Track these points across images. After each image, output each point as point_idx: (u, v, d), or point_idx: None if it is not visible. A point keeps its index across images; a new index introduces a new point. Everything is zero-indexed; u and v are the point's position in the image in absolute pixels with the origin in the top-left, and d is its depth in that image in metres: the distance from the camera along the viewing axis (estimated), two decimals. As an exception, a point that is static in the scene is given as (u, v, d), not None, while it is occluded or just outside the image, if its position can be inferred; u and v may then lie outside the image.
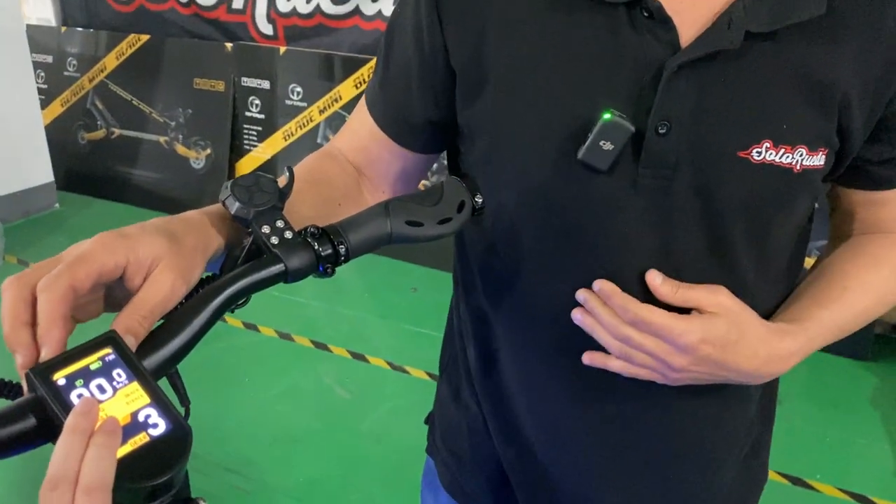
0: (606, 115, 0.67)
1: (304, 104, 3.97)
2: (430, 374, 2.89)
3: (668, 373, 0.72)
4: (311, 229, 0.63)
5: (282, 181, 0.67)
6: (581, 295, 0.73)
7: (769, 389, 0.87)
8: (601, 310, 0.72)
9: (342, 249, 0.63)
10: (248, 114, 4.14)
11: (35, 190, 4.28)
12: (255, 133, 4.16)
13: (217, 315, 0.57)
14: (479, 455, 0.92)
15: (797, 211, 0.74)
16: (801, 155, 0.68)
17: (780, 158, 0.68)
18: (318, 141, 3.96)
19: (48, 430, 0.49)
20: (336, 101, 3.87)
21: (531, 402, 0.84)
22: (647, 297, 0.72)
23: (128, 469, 0.46)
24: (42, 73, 4.63)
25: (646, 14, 0.67)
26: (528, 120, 0.72)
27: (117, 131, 4.53)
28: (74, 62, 4.59)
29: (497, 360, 0.85)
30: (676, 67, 0.66)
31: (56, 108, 4.68)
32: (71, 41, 4.60)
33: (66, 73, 4.62)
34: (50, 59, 4.65)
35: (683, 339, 0.69)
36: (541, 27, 0.70)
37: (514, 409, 0.86)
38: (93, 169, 4.61)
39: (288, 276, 0.61)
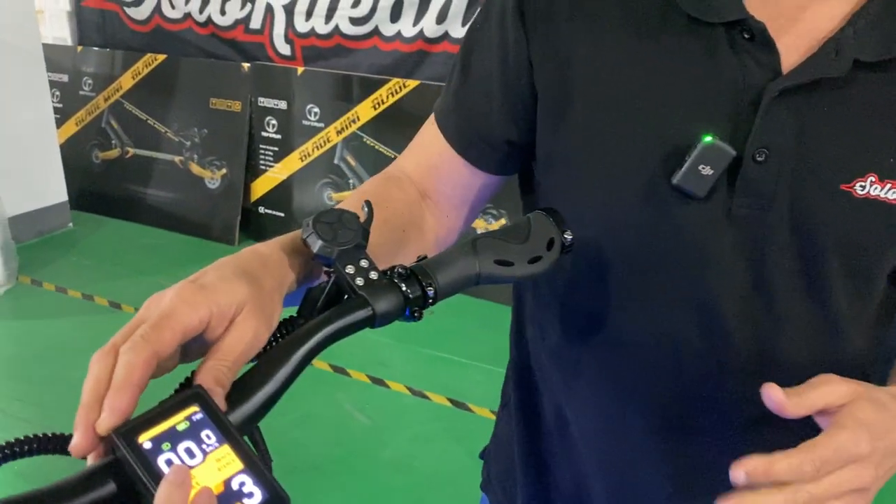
0: (707, 138, 0.63)
1: (322, 125, 3.94)
2: (451, 401, 2.83)
3: (867, 496, 0.58)
4: (399, 269, 0.58)
5: (361, 216, 0.62)
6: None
7: None
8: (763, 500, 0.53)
9: (430, 291, 0.58)
10: (264, 134, 4.12)
11: (49, 209, 4.25)
12: (271, 153, 4.13)
13: (303, 365, 0.52)
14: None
15: None
16: None
17: (885, 194, 0.64)
18: (335, 161, 3.93)
19: (129, 497, 0.44)
20: (353, 121, 3.84)
21: (606, 446, 0.80)
22: (738, 335, 0.69)
23: None
24: (57, 92, 4.61)
25: (746, 36, 0.64)
26: (618, 144, 0.68)
27: (132, 151, 4.51)
28: (90, 81, 4.58)
29: (572, 399, 0.81)
30: (777, 93, 0.63)
31: (71, 128, 4.67)
32: (87, 60, 4.59)
33: (81, 93, 4.61)
34: (65, 78, 4.64)
35: (859, 449, 0.55)
36: (633, 47, 0.67)
37: (583, 454, 0.81)
38: (107, 188, 4.58)
39: (375, 321, 0.56)
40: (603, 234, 0.72)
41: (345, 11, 3.84)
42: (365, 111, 3.80)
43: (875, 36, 0.62)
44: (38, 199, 4.19)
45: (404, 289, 0.57)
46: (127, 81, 4.45)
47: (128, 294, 3.60)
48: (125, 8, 4.51)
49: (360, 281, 0.56)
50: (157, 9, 4.40)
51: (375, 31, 3.80)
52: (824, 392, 0.59)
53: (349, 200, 0.72)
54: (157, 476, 0.42)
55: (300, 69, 3.97)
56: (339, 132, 3.90)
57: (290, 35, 4.04)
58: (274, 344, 0.54)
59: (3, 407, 2.78)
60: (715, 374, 0.72)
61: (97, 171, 4.62)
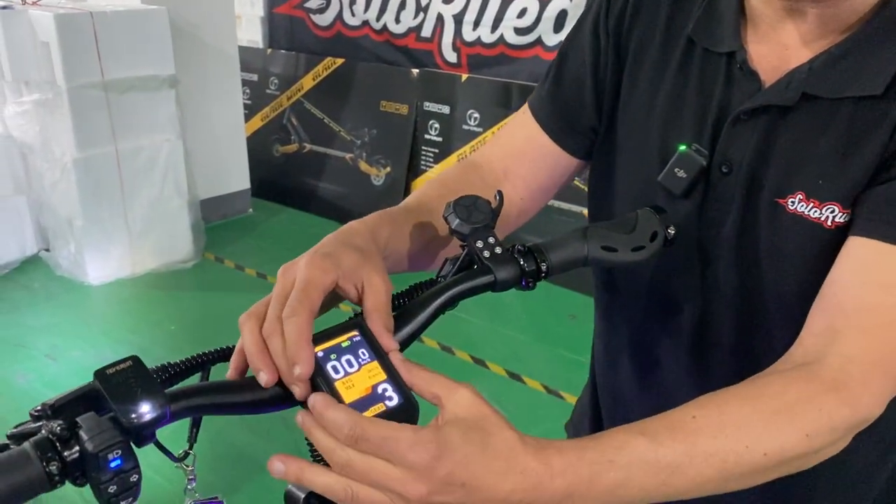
0: (682, 147, 0.79)
1: (480, 129, 4.13)
2: (584, 402, 2.90)
3: None
4: (518, 247, 0.71)
5: (493, 202, 0.76)
6: (298, 417, 0.59)
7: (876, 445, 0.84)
8: (315, 431, 0.57)
9: (544, 267, 0.71)
10: (426, 136, 4.37)
11: (233, 195, 4.72)
12: (431, 155, 4.37)
13: (438, 312, 0.67)
14: None
15: (829, 265, 0.72)
16: (831, 211, 0.73)
17: (808, 211, 0.74)
18: (491, 165, 4.09)
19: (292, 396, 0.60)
20: (511, 127, 3.98)
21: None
22: (687, 313, 0.84)
23: None
24: (247, 90, 5.10)
25: (738, 66, 0.78)
26: (633, 149, 0.86)
27: (308, 146, 4.92)
28: (276, 81, 5.04)
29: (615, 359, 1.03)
30: (736, 115, 0.76)
31: (256, 123, 5.15)
32: (274, 62, 5.06)
33: (267, 91, 5.08)
34: (255, 77, 5.13)
35: (415, 458, 0.53)
36: (657, 76, 0.84)
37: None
38: (284, 179, 5.03)
39: (496, 286, 0.70)
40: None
41: (510, 22, 4.00)
42: (523, 118, 3.94)
43: (832, 75, 0.72)
44: (225, 186, 4.66)
45: (522, 263, 0.70)
46: (308, 82, 4.86)
47: (295, 276, 3.95)
48: (311, 15, 4.93)
49: (486, 254, 0.70)
50: (339, 16, 4.77)
51: (538, 41, 3.93)
52: (444, 383, 0.59)
53: (433, 183, 0.88)
54: (325, 376, 0.58)
55: (464, 76, 4.18)
56: (496, 137, 4.06)
57: (458, 43, 4.26)
58: (420, 293, 0.69)
59: (186, 365, 3.16)
60: (668, 344, 0.89)
61: (277, 163, 5.07)
